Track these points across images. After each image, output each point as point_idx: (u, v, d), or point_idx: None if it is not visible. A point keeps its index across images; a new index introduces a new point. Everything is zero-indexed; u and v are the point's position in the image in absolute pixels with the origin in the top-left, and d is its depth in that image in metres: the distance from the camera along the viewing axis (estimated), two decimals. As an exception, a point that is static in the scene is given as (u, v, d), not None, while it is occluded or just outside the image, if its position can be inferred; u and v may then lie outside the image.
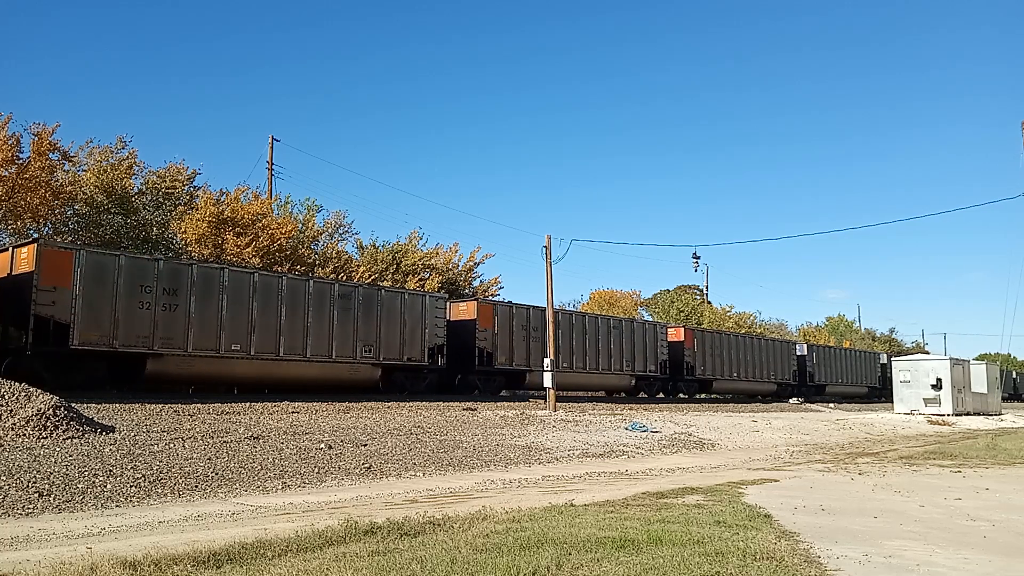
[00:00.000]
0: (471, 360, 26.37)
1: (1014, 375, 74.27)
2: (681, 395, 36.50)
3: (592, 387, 32.97)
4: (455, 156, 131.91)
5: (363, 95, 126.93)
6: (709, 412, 27.17)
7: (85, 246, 19.73)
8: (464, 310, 26.81)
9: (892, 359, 40.45)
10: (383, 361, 23.17)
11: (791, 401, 41.67)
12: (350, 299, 22.33)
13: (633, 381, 33.21)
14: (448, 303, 26.75)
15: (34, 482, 8.88)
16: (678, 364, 35.42)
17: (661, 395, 35.64)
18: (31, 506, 8.18)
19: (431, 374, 25.34)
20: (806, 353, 45.51)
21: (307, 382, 21.96)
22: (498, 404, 24.64)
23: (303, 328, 21.08)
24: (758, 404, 38.09)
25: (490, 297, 37.24)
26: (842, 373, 48.16)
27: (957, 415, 30.86)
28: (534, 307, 28.76)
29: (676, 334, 36.26)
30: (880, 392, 52.32)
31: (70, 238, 24.85)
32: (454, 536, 6.33)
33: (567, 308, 32.03)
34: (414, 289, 28.64)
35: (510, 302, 29.98)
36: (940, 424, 27.94)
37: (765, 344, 42.40)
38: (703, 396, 39.69)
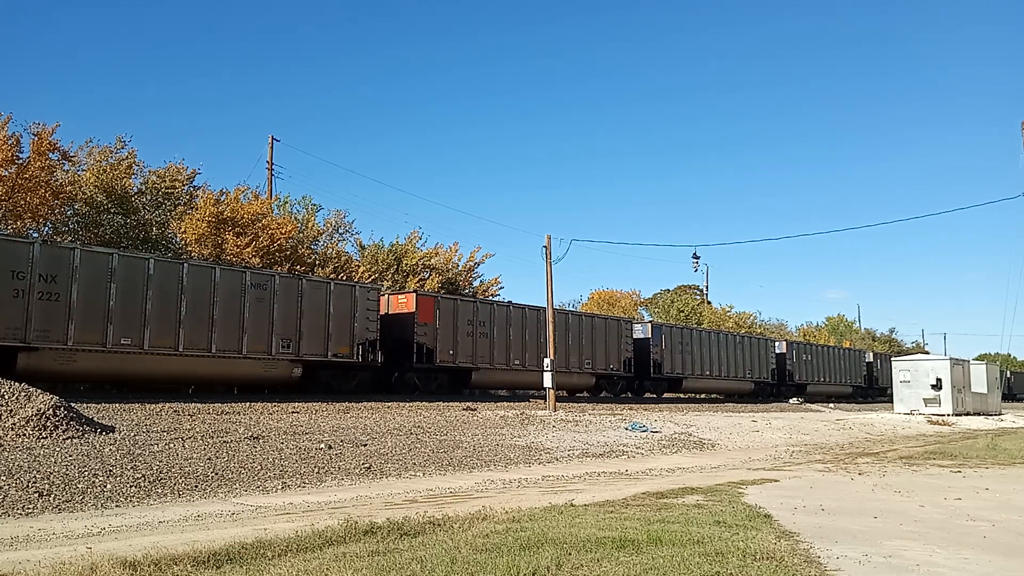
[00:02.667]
0: None
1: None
2: (420, 391, 25.36)
3: (223, 380, 21.31)
4: (455, 156, 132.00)
5: (363, 95, 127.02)
6: (709, 412, 27.17)
7: None
8: None
9: (893, 359, 39.57)
10: None
11: (784, 401, 41.18)
12: None
13: (299, 370, 21.58)
14: None
15: (34, 482, 8.88)
16: (405, 346, 24.50)
17: (386, 393, 24.26)
18: (31, 506, 8.18)
19: None
20: (650, 335, 33.91)
21: None
22: (498, 404, 24.63)
23: None
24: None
25: (490, 296, 37.02)
26: (714, 364, 37.41)
27: (957, 415, 30.86)
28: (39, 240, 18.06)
29: (405, 303, 25.06)
30: (775, 389, 42.27)
31: (70, 238, 24.85)
32: (454, 536, 6.32)
33: (198, 262, 21.86)
34: None
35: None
36: (940, 424, 27.94)
37: (575, 321, 30.86)
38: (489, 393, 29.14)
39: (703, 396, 38.86)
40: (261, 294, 20.81)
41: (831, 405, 40.10)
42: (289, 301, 21.39)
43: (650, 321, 37.10)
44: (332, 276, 28.80)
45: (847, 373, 48.33)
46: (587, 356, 30.90)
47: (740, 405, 34.75)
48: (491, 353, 26.98)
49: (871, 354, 54.14)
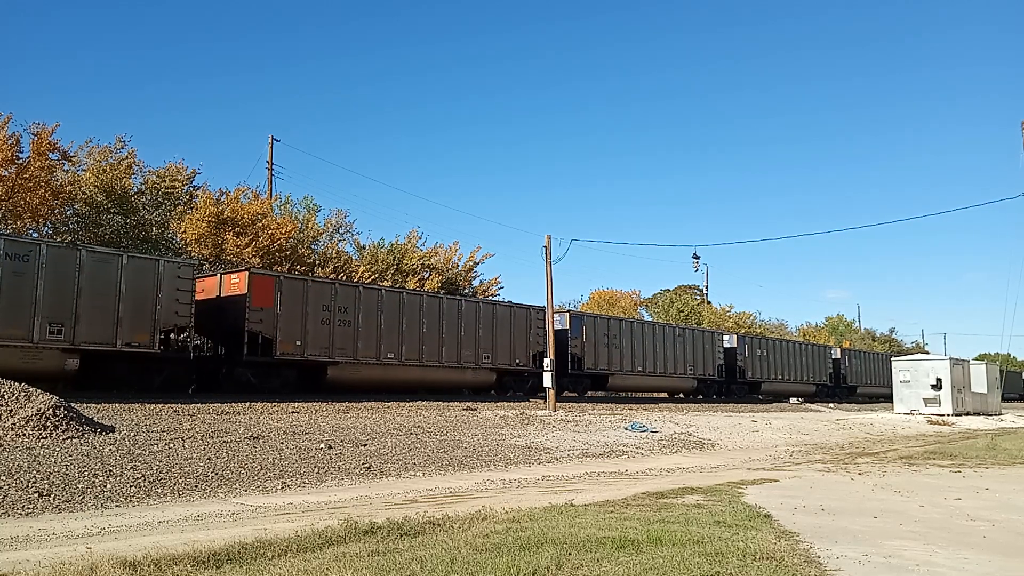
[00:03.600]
0: None
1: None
2: (257, 390, 20.75)
3: None
4: (455, 156, 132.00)
5: (363, 95, 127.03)
6: (709, 412, 27.18)
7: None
8: None
9: (892, 359, 39.21)
10: None
11: (733, 401, 41.25)
12: None
13: (75, 362, 17.57)
14: None
15: (34, 482, 8.88)
16: (236, 334, 20.39)
17: (213, 392, 20.19)
18: (31, 506, 8.18)
19: None
20: (568, 326, 29.91)
21: None
22: (498, 404, 24.64)
23: None
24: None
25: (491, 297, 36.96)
26: (647, 359, 33.49)
27: (957, 415, 30.87)
28: None
29: (238, 283, 20.62)
30: (723, 387, 38.26)
31: (69, 238, 24.85)
32: (454, 536, 6.32)
33: None
34: None
35: None
36: (940, 424, 27.95)
37: (470, 309, 26.37)
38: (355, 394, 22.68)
39: (642, 395, 35.96)
40: (20, 267, 16.77)
41: (831, 405, 40.07)
42: (62, 277, 17.37)
43: (568, 311, 32.03)
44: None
45: (810, 370, 44.73)
46: (486, 350, 26.46)
47: (740, 405, 34.59)
48: (355, 345, 22.32)
49: (838, 350, 50.16)
